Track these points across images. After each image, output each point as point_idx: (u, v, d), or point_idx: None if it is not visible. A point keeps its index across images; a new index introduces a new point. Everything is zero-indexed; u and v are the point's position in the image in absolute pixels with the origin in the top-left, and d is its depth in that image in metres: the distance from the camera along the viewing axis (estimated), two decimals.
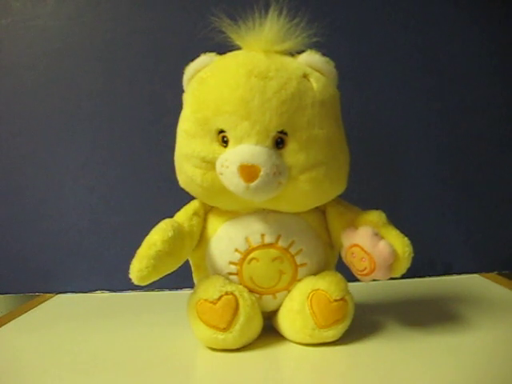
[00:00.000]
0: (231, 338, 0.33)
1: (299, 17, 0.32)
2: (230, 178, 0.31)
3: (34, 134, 0.55)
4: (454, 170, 0.56)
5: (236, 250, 0.34)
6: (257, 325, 0.35)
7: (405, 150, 0.56)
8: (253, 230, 0.34)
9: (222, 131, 0.32)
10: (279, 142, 0.32)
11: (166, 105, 0.53)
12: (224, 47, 0.34)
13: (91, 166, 0.55)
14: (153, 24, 0.54)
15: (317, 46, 0.33)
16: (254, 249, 0.34)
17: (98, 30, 0.54)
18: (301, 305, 0.34)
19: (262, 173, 0.30)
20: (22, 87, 0.55)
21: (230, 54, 0.34)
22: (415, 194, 0.55)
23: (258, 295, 0.35)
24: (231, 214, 0.35)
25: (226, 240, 0.35)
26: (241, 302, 0.33)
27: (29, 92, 0.55)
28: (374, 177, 0.54)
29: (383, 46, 0.55)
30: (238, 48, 0.34)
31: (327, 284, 0.34)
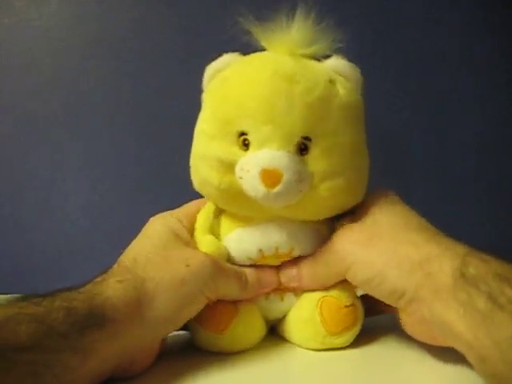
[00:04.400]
0: (228, 341, 0.33)
1: (326, 21, 0.31)
2: (251, 183, 0.30)
3: (35, 135, 0.55)
4: (466, 170, 0.56)
5: (248, 258, 0.34)
6: (256, 330, 0.34)
7: (413, 150, 0.56)
8: (267, 242, 0.33)
9: (243, 133, 0.31)
10: (303, 149, 0.30)
11: (171, 105, 0.54)
12: (248, 47, 0.33)
13: (93, 166, 0.55)
14: (157, 24, 0.55)
15: (343, 52, 0.33)
16: (266, 258, 0.34)
17: (102, 30, 0.55)
18: (310, 313, 0.33)
19: (284, 179, 0.29)
20: (24, 87, 0.55)
21: (254, 55, 0.33)
22: (422, 193, 0.56)
23: (263, 296, 0.34)
24: (244, 220, 0.34)
25: (238, 248, 0.34)
26: (239, 305, 0.33)
27: (31, 92, 0.55)
28: (381, 178, 0.54)
29: (394, 46, 0.56)
30: (263, 49, 0.33)
31: (337, 290, 0.33)
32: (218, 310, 0.32)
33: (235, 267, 0.33)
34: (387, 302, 0.30)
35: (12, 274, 0.55)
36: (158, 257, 0.31)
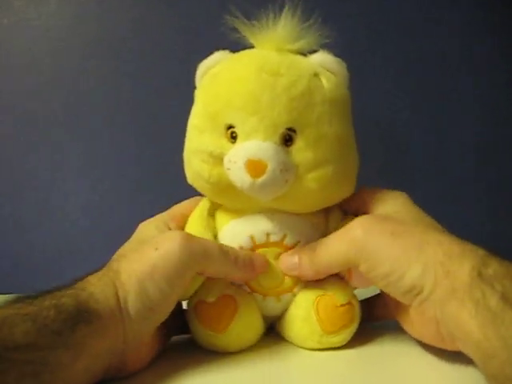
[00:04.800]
0: (228, 340, 0.33)
1: (313, 18, 0.32)
2: (237, 173, 0.30)
3: (35, 135, 0.55)
4: (464, 168, 0.57)
5: (240, 248, 0.34)
6: (256, 329, 0.34)
7: (413, 150, 0.56)
8: (258, 229, 0.33)
9: (230, 127, 0.32)
10: (287, 139, 0.31)
11: (171, 105, 0.54)
12: (238, 46, 0.34)
13: (93, 166, 0.55)
14: (157, 24, 0.55)
15: (329, 47, 0.33)
16: (258, 246, 0.34)
17: (102, 30, 0.55)
18: (306, 311, 0.33)
19: (268, 168, 0.30)
20: (24, 87, 0.55)
21: (243, 52, 0.34)
22: (422, 193, 0.55)
23: (261, 296, 0.34)
24: (237, 213, 0.34)
25: (231, 237, 0.34)
26: (239, 304, 0.33)
27: (31, 92, 0.55)
28: (381, 178, 0.54)
29: (394, 46, 0.56)
30: (252, 47, 0.34)
31: (333, 289, 0.33)
32: (218, 308, 0.32)
33: (220, 243, 0.33)
34: (400, 298, 0.29)
35: (12, 274, 0.55)
36: (132, 251, 0.31)
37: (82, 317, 0.26)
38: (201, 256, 0.31)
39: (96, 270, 0.30)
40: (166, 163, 0.54)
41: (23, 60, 0.55)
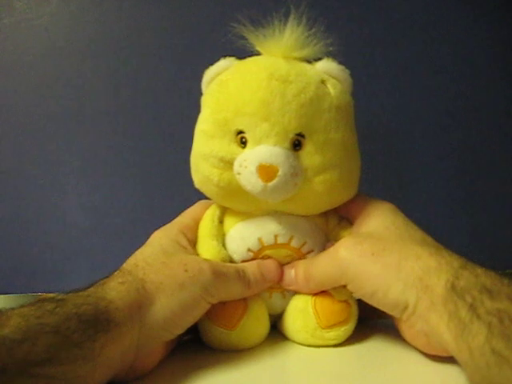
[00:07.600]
0: (239, 337, 0.33)
1: (317, 26, 0.33)
2: (248, 178, 0.31)
3: (36, 134, 0.55)
4: (460, 170, 0.56)
5: (249, 250, 0.35)
6: (264, 326, 0.35)
7: (410, 151, 0.56)
8: (266, 231, 0.34)
9: (240, 132, 0.33)
10: (297, 144, 0.32)
11: (171, 106, 0.54)
12: (243, 52, 0.35)
13: (94, 166, 0.55)
14: (157, 24, 0.55)
15: (333, 55, 0.34)
16: (265, 248, 0.35)
17: (101, 30, 0.55)
18: (304, 303, 0.34)
19: (279, 173, 0.31)
20: (24, 87, 0.55)
21: (250, 59, 0.35)
22: (419, 194, 0.56)
23: (267, 294, 0.36)
24: (244, 216, 0.35)
25: (239, 240, 0.35)
26: (249, 301, 0.34)
27: (31, 91, 0.55)
28: (378, 178, 0.54)
29: (394, 47, 0.56)
30: (258, 53, 0.35)
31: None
32: (228, 305, 0.33)
33: (236, 266, 0.34)
34: (390, 313, 0.31)
35: (12, 273, 0.55)
36: (157, 262, 0.32)
37: (102, 326, 0.26)
38: (223, 287, 0.32)
39: (111, 274, 0.30)
40: (165, 163, 0.54)
41: (23, 60, 0.55)
